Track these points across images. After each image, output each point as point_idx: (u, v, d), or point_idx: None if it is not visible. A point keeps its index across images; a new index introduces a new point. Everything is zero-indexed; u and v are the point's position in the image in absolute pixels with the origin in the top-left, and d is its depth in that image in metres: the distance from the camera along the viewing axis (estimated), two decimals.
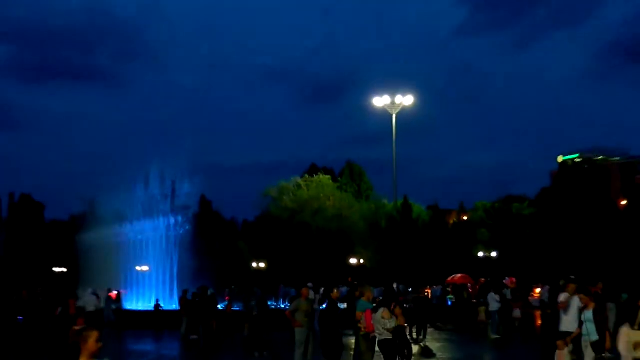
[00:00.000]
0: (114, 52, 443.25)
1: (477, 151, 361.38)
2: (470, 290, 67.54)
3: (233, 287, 60.95)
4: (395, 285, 57.96)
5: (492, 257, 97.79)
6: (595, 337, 18.36)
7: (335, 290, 27.94)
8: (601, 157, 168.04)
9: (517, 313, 44.52)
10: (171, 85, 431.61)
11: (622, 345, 16.68)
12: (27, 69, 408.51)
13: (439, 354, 33.45)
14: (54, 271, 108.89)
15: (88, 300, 46.16)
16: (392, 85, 70.18)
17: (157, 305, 51.31)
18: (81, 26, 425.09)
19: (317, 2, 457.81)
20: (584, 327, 18.63)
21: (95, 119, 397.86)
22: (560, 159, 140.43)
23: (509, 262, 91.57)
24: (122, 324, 47.10)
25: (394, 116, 70.25)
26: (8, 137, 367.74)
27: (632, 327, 16.69)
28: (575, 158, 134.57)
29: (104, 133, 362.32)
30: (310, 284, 36.08)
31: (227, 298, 51.37)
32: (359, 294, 23.88)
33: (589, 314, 18.54)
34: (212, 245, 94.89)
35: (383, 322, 22.37)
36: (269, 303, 45.18)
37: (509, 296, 46.14)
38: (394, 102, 70.13)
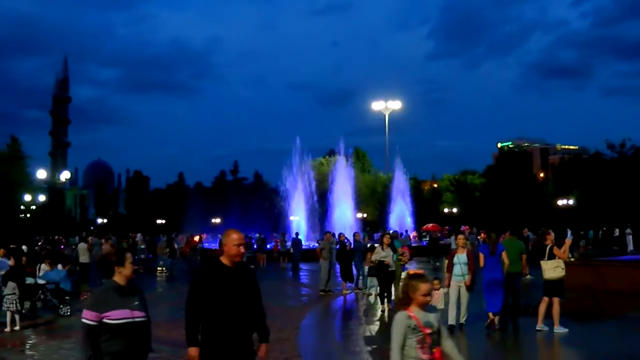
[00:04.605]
0: (190, 72, 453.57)
1: (443, 139, 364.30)
2: (439, 234, 67.21)
3: (274, 234, 60.01)
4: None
5: (454, 212, 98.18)
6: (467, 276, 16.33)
7: (342, 235, 28.93)
8: (526, 143, 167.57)
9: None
10: (230, 95, 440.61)
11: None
12: (130, 84, 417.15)
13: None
14: (152, 222, 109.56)
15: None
16: (385, 94, 70.03)
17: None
18: (166, 54, 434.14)
19: (328, 36, 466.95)
20: (457, 268, 16.53)
21: (177, 119, 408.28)
22: (499, 144, 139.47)
23: (465, 216, 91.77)
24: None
25: (386, 115, 69.87)
26: (120, 130, 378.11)
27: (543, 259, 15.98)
28: (509, 144, 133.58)
29: (184, 128, 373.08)
30: (331, 231, 35.58)
31: (277, 241, 50.44)
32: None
33: (462, 257, 16.60)
34: (262, 205, 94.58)
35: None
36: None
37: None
38: (386, 106, 69.86)
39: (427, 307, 6.29)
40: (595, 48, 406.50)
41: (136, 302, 6.65)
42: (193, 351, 6.89)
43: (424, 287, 6.25)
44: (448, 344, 6.34)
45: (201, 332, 6.92)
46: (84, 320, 6.44)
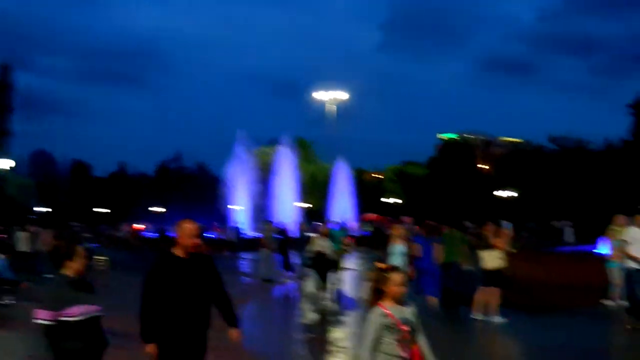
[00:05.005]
0: (141, 62, 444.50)
1: (390, 130, 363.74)
2: (382, 224, 67.66)
3: (216, 223, 60.06)
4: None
5: (395, 203, 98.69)
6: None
7: (283, 226, 30.22)
8: (470, 135, 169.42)
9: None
10: (181, 85, 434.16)
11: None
12: (80, 74, 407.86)
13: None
14: (94, 211, 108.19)
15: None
16: (333, 86, 70.16)
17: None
18: (118, 44, 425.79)
19: (282, 27, 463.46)
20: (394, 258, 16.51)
21: (128, 109, 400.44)
22: (442, 136, 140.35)
23: (407, 207, 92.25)
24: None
25: (333, 107, 70.22)
26: (68, 121, 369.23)
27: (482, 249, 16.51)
28: (453, 136, 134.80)
29: (133, 118, 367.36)
30: (273, 220, 35.83)
31: (219, 230, 50.96)
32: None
33: (399, 247, 16.79)
34: (205, 194, 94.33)
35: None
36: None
37: None
38: (335, 97, 70.14)
39: (402, 301, 6.10)
40: (542, 43, 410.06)
41: (90, 296, 6.56)
42: (151, 348, 6.78)
43: (397, 277, 6.11)
44: (422, 342, 6.15)
45: (156, 326, 6.79)
46: (39, 321, 6.25)
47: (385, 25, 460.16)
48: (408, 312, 6.10)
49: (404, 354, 5.92)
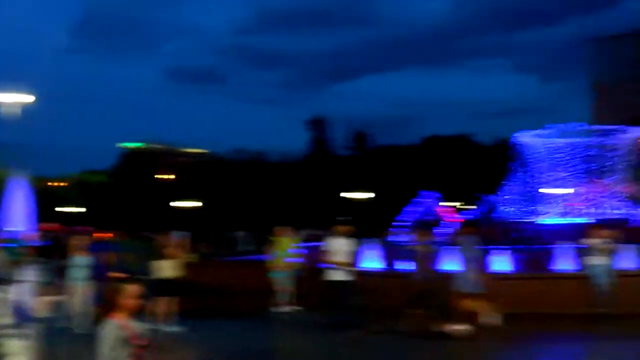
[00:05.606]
0: None
1: (75, 137, 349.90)
2: (62, 234, 66.18)
3: None
4: None
5: (78, 212, 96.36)
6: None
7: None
8: (154, 145, 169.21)
9: None
10: None
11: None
12: None
13: None
14: None
15: None
16: (18, 88, 66.93)
17: None
18: None
19: None
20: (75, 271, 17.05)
21: None
22: (125, 144, 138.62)
23: (88, 215, 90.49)
24: None
25: (17, 110, 67.51)
26: None
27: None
28: (138, 145, 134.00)
29: None
30: None
31: None
32: None
33: (82, 259, 17.13)
34: None
35: None
36: None
37: None
38: (18, 100, 67.35)
39: (135, 314, 5.97)
40: (234, 56, 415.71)
41: None
42: None
43: (132, 288, 5.93)
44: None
45: None
46: None
47: (77, 28, 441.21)
48: (142, 326, 6.05)
49: None
